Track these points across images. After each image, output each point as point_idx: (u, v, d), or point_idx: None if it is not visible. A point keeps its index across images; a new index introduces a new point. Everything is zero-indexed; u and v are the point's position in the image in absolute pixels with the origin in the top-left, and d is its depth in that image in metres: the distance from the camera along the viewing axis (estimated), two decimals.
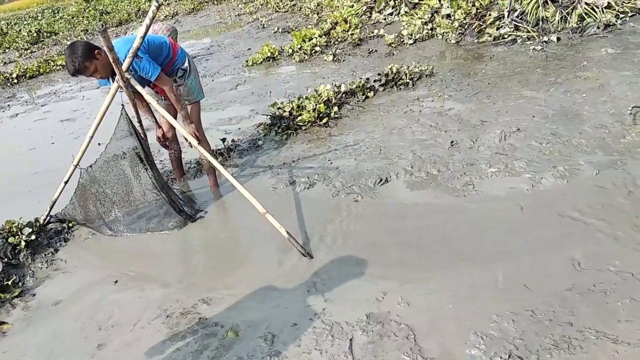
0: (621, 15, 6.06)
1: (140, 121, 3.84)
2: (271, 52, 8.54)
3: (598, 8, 6.15)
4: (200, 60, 9.83)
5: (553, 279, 2.55)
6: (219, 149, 4.89)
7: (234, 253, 3.45)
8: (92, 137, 3.69)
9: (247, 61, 8.64)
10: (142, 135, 3.82)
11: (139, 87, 3.49)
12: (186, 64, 4.01)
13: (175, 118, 3.86)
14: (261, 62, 8.48)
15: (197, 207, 4.08)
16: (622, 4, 6.18)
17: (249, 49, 9.89)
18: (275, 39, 10.20)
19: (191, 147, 3.59)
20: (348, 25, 8.89)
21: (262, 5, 14.73)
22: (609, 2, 6.16)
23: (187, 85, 4.03)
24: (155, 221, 3.85)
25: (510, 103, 4.69)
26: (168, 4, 20.22)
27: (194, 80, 4.08)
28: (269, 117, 5.37)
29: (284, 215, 3.55)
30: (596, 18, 6.07)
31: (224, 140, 4.96)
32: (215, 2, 18.60)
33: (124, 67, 3.38)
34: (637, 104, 4.03)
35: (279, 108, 5.38)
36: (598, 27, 5.94)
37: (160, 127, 4.09)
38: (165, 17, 17.64)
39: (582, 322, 2.26)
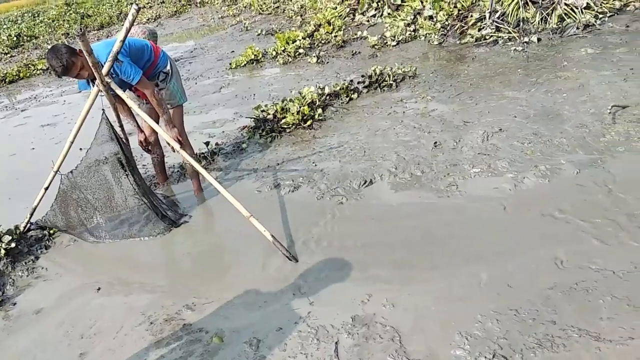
0: (600, 16, 6.15)
1: (121, 125, 3.80)
2: (255, 55, 8.52)
3: (577, 9, 6.23)
4: (184, 63, 9.77)
5: (536, 278, 2.57)
6: (202, 153, 4.85)
7: (218, 258, 3.42)
8: (72, 142, 3.64)
9: (230, 64, 8.60)
10: (124, 140, 3.77)
11: (119, 91, 3.45)
12: (168, 67, 3.97)
13: (158, 122, 3.82)
14: (245, 65, 8.45)
15: (181, 211, 4.04)
16: (601, 5, 6.27)
17: (233, 51, 9.85)
18: (258, 41, 10.17)
19: (174, 151, 3.56)
20: (331, 27, 8.91)
21: (245, 7, 14.69)
22: (588, 3, 6.25)
23: (169, 89, 3.99)
24: (138, 227, 3.80)
25: (492, 103, 4.73)
26: (150, 7, 20.06)
27: (176, 84, 4.05)
28: (253, 119, 5.35)
29: (269, 219, 3.54)
30: (576, 19, 6.16)
31: (207, 143, 4.93)
32: (198, 5, 18.51)
33: (104, 71, 3.34)
34: (616, 103, 4.09)
35: (263, 111, 5.37)
36: (577, 28, 6.02)
37: (142, 131, 4.05)
38: (148, 20, 17.50)
39: (565, 320, 2.28)
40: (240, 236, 3.50)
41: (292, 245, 3.27)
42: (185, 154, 3.57)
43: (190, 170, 4.17)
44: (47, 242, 3.94)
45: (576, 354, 2.10)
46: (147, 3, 20.68)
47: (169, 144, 3.62)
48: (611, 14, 6.20)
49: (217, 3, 17.37)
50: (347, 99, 5.69)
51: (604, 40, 5.64)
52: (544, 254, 2.72)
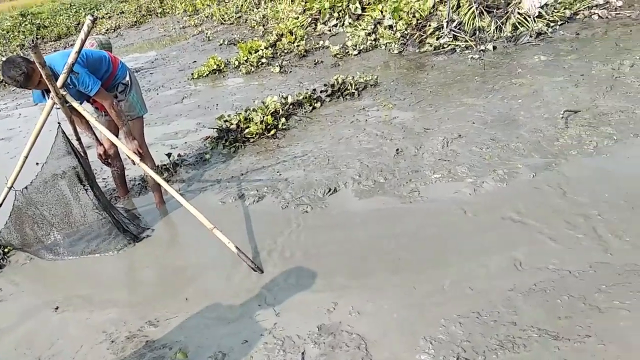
0: (552, 24, 6.39)
1: (79, 139, 3.70)
2: (217, 65, 8.46)
3: (530, 17, 6.46)
4: (145, 74, 9.61)
5: (496, 280, 2.64)
6: (164, 165, 4.77)
7: (181, 271, 3.36)
8: (27, 157, 3.52)
9: (192, 74, 8.52)
10: (82, 153, 3.67)
11: (75, 104, 3.36)
12: (127, 78, 3.90)
13: (117, 134, 3.74)
14: (207, 75, 8.38)
15: (143, 225, 3.96)
16: (552, 14, 6.52)
17: (195, 61, 9.76)
18: (221, 51, 10.11)
19: (134, 164, 3.49)
20: (294, 36, 8.95)
21: (207, 17, 14.58)
22: (540, 12, 6.49)
23: (128, 100, 3.92)
24: (98, 242, 3.70)
25: (452, 110, 4.84)
26: (109, 17, 19.68)
27: (136, 95, 3.98)
28: (216, 130, 5.30)
29: (233, 230, 3.51)
30: (529, 27, 6.38)
31: (169, 155, 4.85)
32: (159, 15, 18.26)
33: (59, 83, 3.25)
34: (569, 108, 4.25)
35: (225, 121, 5.33)
36: (531, 36, 6.24)
37: (101, 144, 3.95)
38: (107, 30, 17.16)
39: (525, 321, 2.34)
40: (204, 248, 3.45)
41: (257, 256, 3.25)
42: (145, 166, 3.50)
43: (151, 182, 4.09)
44: (1, 261, 3.79)
45: (536, 354, 2.16)
46: (107, 13, 20.29)
47: (129, 156, 3.54)
48: (562, 22, 6.45)
49: (179, 13, 17.19)
50: (311, 108, 5.71)
51: (556, 48, 5.87)
52: (504, 256, 2.79)
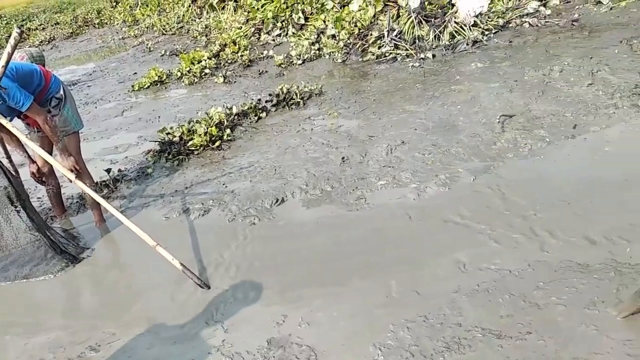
0: (486, 33, 6.66)
1: (9, 157, 3.50)
2: (159, 76, 8.27)
3: (466, 26, 6.71)
4: (82, 87, 9.25)
5: (442, 282, 2.69)
6: (103, 181, 4.59)
7: (124, 291, 3.22)
8: None
9: (133, 86, 8.28)
10: (12, 172, 3.48)
11: (2, 120, 3.18)
12: (61, 92, 3.73)
13: (52, 151, 3.56)
14: (148, 87, 8.17)
15: (82, 245, 3.78)
16: (486, 22, 6.80)
17: (135, 73, 9.50)
18: (162, 62, 9.90)
19: (71, 181, 3.33)
20: (237, 46, 8.88)
21: (147, 28, 14.25)
22: (475, 21, 6.76)
23: (62, 115, 3.74)
24: (33, 265, 3.50)
25: (395, 118, 4.93)
26: (43, 28, 18.87)
27: (71, 109, 3.81)
28: (158, 143, 5.16)
29: (178, 246, 3.42)
30: (465, 35, 6.62)
31: (109, 170, 4.67)
32: (97, 26, 17.69)
33: None
34: (504, 113, 4.43)
35: (168, 133, 5.20)
36: (467, 44, 6.48)
37: (34, 161, 3.76)
38: (41, 42, 16.43)
39: (470, 321, 2.39)
40: (148, 267, 3.33)
41: (203, 272, 3.17)
42: (82, 184, 3.35)
43: (90, 200, 3.92)
44: None
45: (481, 353, 2.21)
46: (40, 25, 19.44)
47: (65, 174, 3.38)
48: (496, 30, 6.74)
49: (117, 24, 16.71)
50: (256, 118, 5.67)
51: (491, 55, 6.11)
52: (448, 258, 2.86)
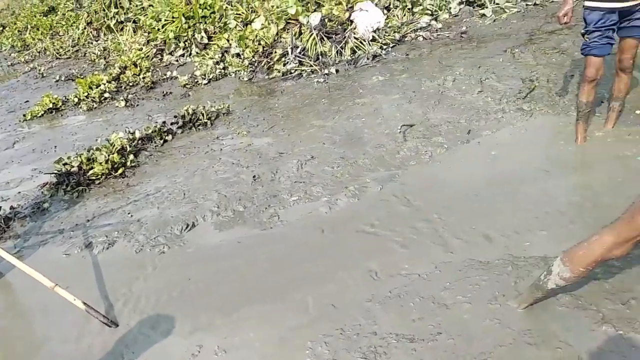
0: (384, 47, 6.95)
1: None
2: (53, 103, 7.76)
3: (365, 41, 6.96)
4: None
5: (356, 293, 2.73)
6: None
7: (23, 341, 2.95)
8: None
9: (25, 115, 7.69)
10: None
11: None
12: None
13: None
14: (42, 115, 7.63)
15: None
16: (384, 37, 7.09)
17: (27, 101, 8.85)
18: (57, 88, 9.31)
19: None
20: (139, 68, 8.57)
21: (39, 52, 13.35)
22: (373, 36, 7.03)
23: None
24: None
25: (303, 133, 4.99)
26: None
27: None
28: (54, 175, 4.82)
29: (82, 284, 3.20)
30: (365, 50, 6.87)
31: None
32: None
33: None
34: (405, 123, 4.63)
35: (65, 164, 4.87)
36: (368, 58, 6.72)
37: None
38: None
39: (384, 329, 2.44)
40: (48, 311, 3.08)
41: (110, 309, 2.99)
42: None
43: None
44: None
45: (396, 359, 2.26)
46: None
47: None
48: (393, 44, 7.05)
49: (5, 49, 15.51)
50: (162, 141, 5.49)
51: (390, 68, 6.38)
52: (361, 268, 2.91)
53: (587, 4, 3.25)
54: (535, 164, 3.55)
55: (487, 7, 7.22)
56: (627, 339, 2.10)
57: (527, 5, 7.04)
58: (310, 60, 6.87)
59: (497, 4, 7.23)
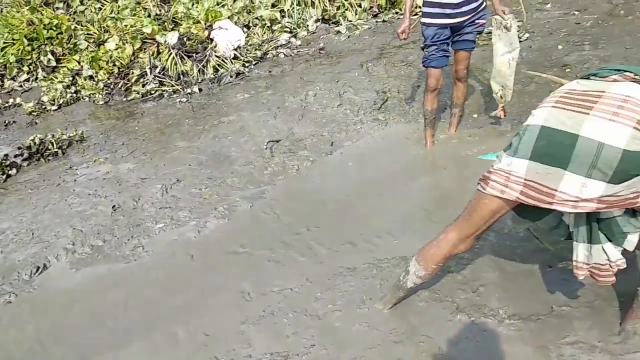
0: (247, 64, 6.97)
1: None
2: None
3: (227, 59, 6.92)
4: None
5: (229, 317, 2.65)
6: None
7: None
8: None
9: None
10: None
11: None
12: None
13: None
14: None
15: None
16: (246, 55, 7.11)
17: None
18: None
19: None
20: None
21: None
22: (235, 54, 7.01)
23: None
24: None
25: (167, 156, 4.78)
26: None
27: None
28: None
29: None
30: (228, 68, 6.82)
31: None
32: None
33: None
34: (271, 138, 4.66)
35: None
36: (231, 76, 6.67)
37: None
38: None
39: (259, 350, 2.41)
40: None
41: None
42: None
43: None
44: None
45: None
46: None
47: None
48: (256, 62, 7.09)
49: None
50: (4, 177, 4.89)
51: (254, 85, 6.40)
52: (233, 291, 2.84)
53: (423, 20, 3.56)
54: (393, 169, 3.78)
55: (341, 24, 7.60)
56: (478, 324, 2.29)
57: (376, 22, 7.53)
58: (172, 80, 6.64)
59: (350, 21, 7.65)
